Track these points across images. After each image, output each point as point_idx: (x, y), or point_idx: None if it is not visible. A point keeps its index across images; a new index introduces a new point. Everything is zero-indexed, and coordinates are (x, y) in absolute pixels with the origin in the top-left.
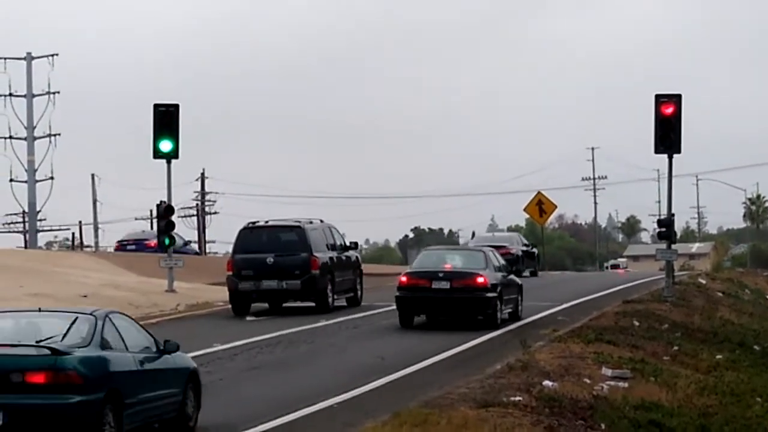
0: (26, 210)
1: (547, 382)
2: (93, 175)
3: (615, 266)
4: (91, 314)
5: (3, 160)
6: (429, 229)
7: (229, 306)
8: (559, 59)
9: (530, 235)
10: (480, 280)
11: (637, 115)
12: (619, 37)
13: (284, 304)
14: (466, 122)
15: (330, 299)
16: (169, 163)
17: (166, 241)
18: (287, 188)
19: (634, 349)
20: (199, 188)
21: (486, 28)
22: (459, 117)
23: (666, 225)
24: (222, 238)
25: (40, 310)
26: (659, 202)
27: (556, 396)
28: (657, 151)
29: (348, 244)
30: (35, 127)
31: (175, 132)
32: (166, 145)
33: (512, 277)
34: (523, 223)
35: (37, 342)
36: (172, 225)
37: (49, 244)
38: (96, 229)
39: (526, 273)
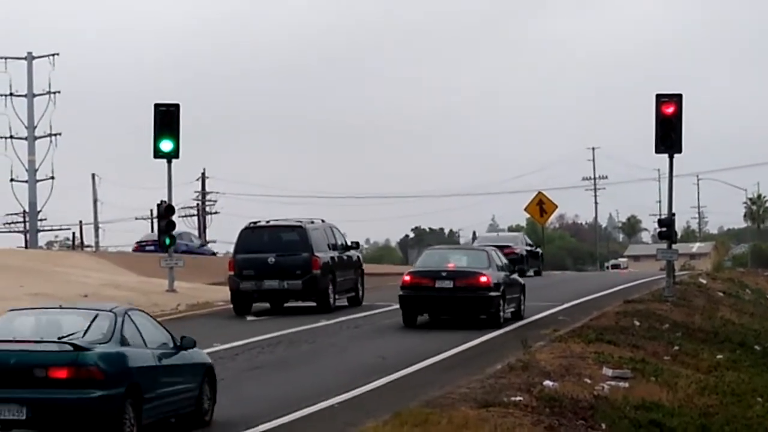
0: (27, 210)
1: (547, 382)
2: (93, 175)
3: (615, 266)
4: (110, 311)
5: (4, 160)
6: (429, 229)
7: (230, 306)
8: (559, 59)
9: (531, 235)
10: (483, 279)
11: (637, 115)
12: (619, 37)
13: (285, 304)
14: (466, 122)
15: (331, 299)
16: (169, 162)
17: (167, 241)
18: (287, 188)
19: (635, 348)
20: (199, 188)
21: (486, 28)
22: (459, 117)
23: (667, 225)
24: (222, 238)
25: (61, 307)
26: (660, 201)
27: (556, 396)
28: (658, 150)
29: (349, 243)
30: (36, 127)
31: (176, 132)
32: (166, 145)
33: (515, 276)
34: (523, 223)
35: (59, 338)
36: (172, 225)
37: (49, 244)
38: (96, 229)
39: (530, 272)
